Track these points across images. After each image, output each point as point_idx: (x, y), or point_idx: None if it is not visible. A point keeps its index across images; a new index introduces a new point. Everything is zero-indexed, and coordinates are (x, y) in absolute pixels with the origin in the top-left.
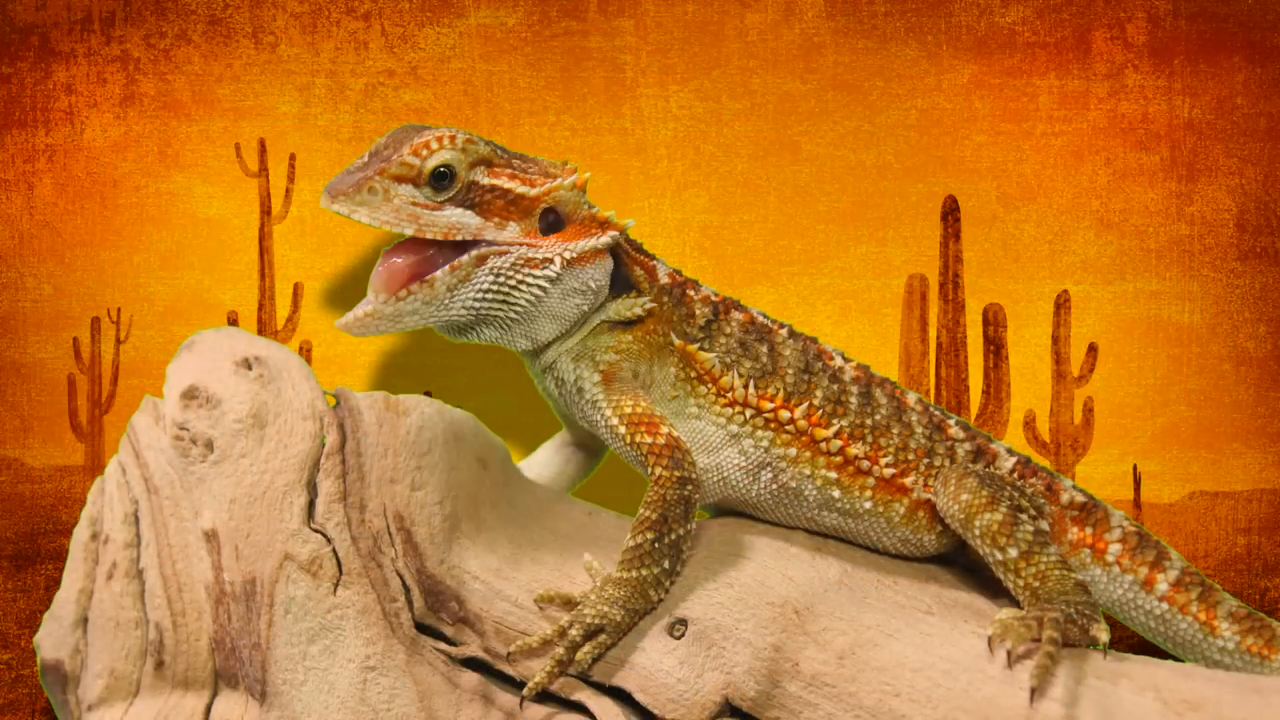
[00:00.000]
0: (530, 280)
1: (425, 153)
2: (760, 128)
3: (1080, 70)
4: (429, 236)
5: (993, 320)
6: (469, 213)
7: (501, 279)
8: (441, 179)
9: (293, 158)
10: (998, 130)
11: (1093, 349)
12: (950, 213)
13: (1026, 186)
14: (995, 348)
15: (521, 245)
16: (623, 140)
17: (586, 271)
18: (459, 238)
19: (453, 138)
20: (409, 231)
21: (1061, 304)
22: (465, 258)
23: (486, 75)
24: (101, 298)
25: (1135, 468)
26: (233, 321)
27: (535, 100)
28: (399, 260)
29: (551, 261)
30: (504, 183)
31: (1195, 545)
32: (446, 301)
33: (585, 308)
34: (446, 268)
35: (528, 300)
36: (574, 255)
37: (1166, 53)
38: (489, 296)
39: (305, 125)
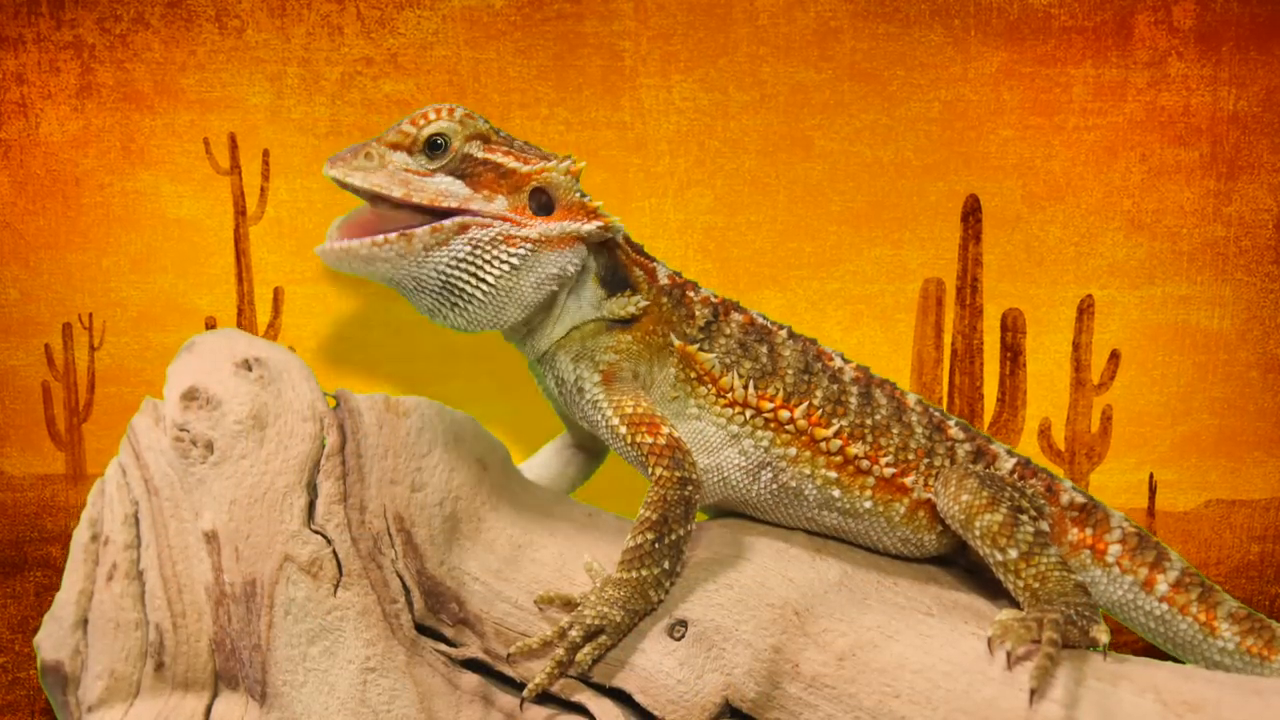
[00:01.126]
0: (504, 257)
1: (422, 122)
2: (770, 121)
3: (1119, 58)
4: (416, 201)
5: (1011, 326)
6: (459, 182)
7: (479, 252)
8: (435, 148)
9: (266, 154)
10: (1026, 124)
11: (1115, 356)
12: (971, 213)
13: (1054, 185)
14: (1013, 354)
15: (505, 220)
16: (621, 135)
17: (564, 255)
18: (445, 204)
19: (450, 110)
20: (397, 194)
21: (1085, 309)
22: (448, 222)
23: (473, 63)
24: (71, 302)
25: (1151, 476)
26: (210, 327)
27: (526, 91)
28: (369, 217)
29: (529, 240)
30: (497, 157)
31: (1207, 553)
32: (420, 259)
33: (555, 290)
34: (427, 228)
35: (496, 275)
36: (554, 235)
37: (1215, 38)
38: (462, 266)
39: (278, 118)
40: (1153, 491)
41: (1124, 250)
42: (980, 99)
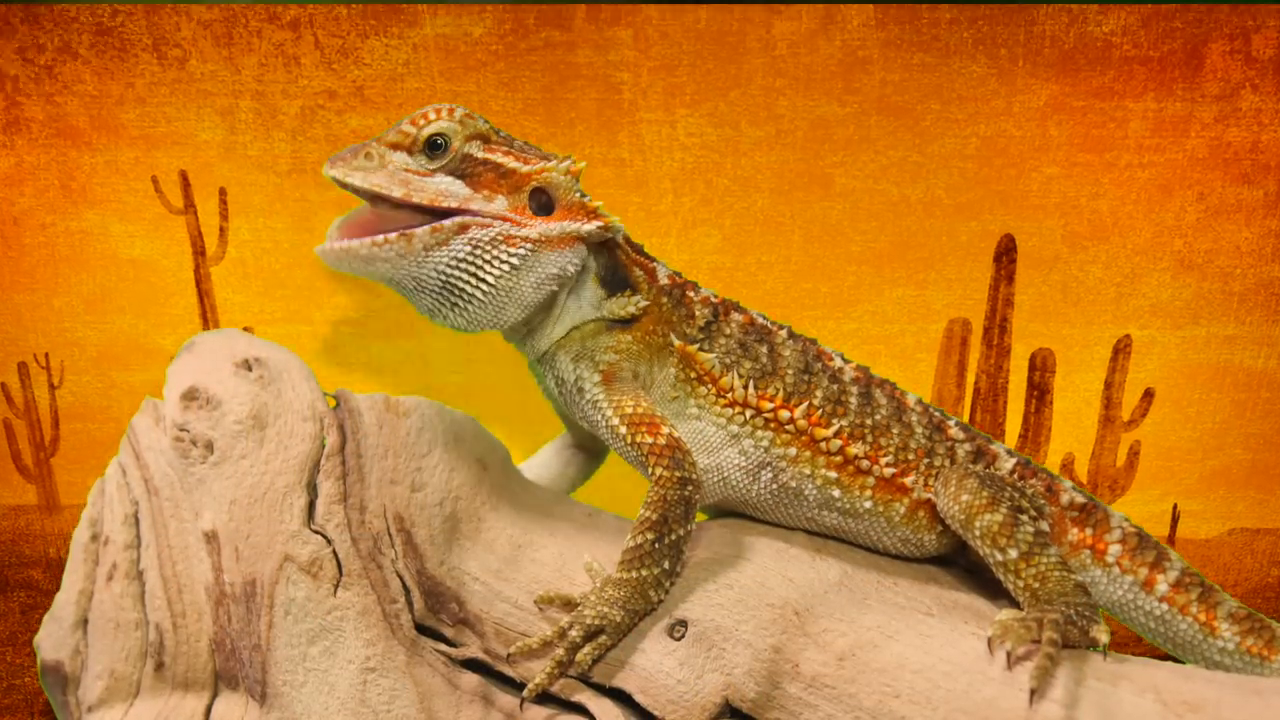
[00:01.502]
0: (505, 257)
1: (422, 122)
2: (786, 158)
3: (1186, 90)
4: (415, 201)
5: (1040, 366)
6: (459, 182)
7: (479, 252)
8: (435, 148)
9: (223, 192)
10: (1073, 161)
11: (1148, 394)
12: (1005, 253)
13: (1099, 225)
14: (1039, 393)
15: (505, 220)
16: (619, 173)
17: (563, 255)
18: (445, 204)
19: (450, 110)
20: (397, 195)
21: (1121, 349)
22: (448, 222)
23: (450, 96)
24: (25, 342)
25: (1175, 506)
26: None
27: (511, 126)
28: (369, 217)
29: (529, 240)
30: (497, 157)
31: (1226, 576)
32: (420, 259)
33: (555, 290)
34: (427, 228)
35: (496, 276)
36: (554, 235)
37: None
38: (462, 266)
39: (233, 155)
40: (1175, 521)
41: (1170, 291)
42: (1024, 135)
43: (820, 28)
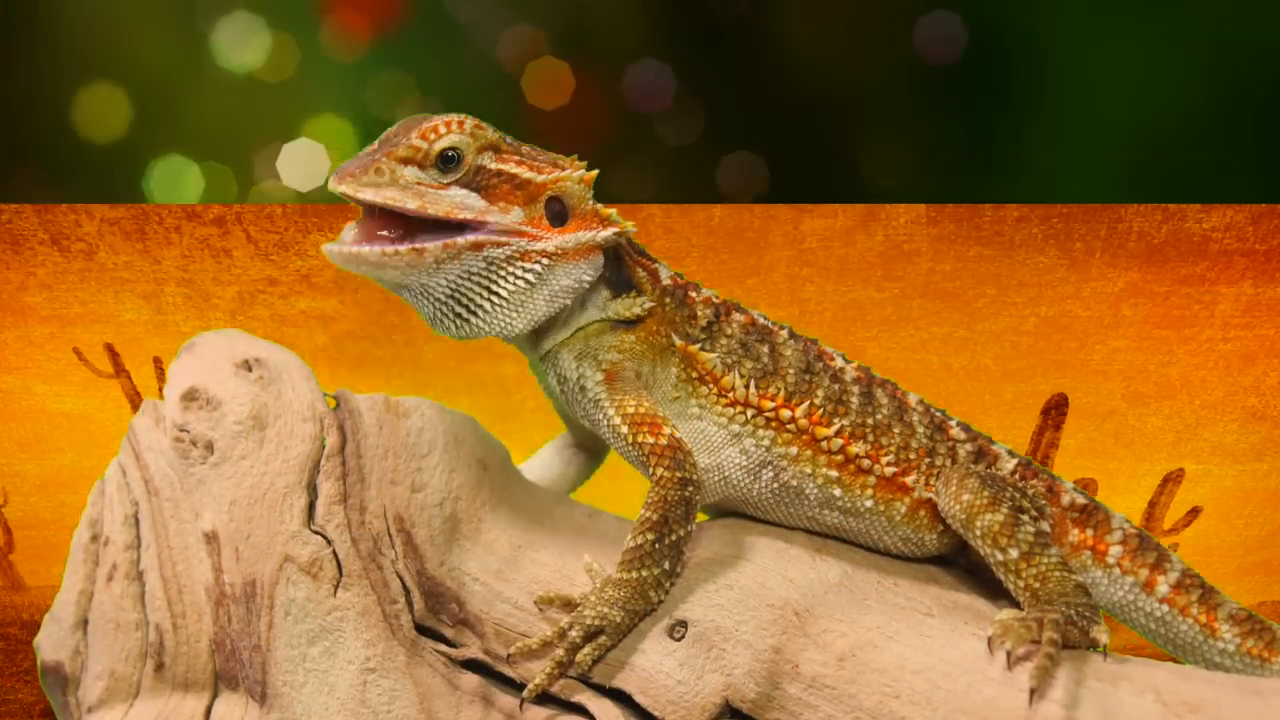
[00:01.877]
0: (520, 273)
1: (433, 136)
2: (810, 331)
3: None
4: (432, 214)
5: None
6: (474, 195)
7: (494, 268)
8: (449, 161)
9: (158, 361)
10: (1146, 336)
11: (1194, 511)
12: (1055, 408)
13: (1166, 386)
14: None
15: (522, 237)
16: None
17: (579, 267)
18: (461, 217)
19: (460, 122)
20: (412, 207)
21: (1172, 478)
22: (461, 240)
23: None
24: None
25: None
26: None
27: None
28: (380, 229)
29: (546, 254)
30: (511, 168)
31: None
32: (431, 272)
33: (569, 302)
34: (440, 243)
35: (510, 290)
36: (570, 247)
37: None
38: (474, 279)
39: (164, 330)
40: None
41: (1235, 436)
42: (1091, 315)
43: (859, 224)
